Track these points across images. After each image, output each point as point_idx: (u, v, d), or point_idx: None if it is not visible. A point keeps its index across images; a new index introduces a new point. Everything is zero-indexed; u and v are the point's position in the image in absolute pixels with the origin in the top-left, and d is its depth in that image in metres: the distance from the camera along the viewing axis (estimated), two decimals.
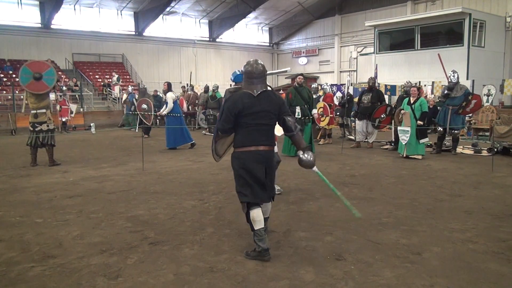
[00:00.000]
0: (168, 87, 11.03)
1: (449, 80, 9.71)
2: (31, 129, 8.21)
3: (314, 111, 9.57)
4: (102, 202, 5.56)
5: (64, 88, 17.43)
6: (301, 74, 9.89)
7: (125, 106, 17.09)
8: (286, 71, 5.70)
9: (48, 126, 8.24)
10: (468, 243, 3.96)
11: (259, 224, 3.64)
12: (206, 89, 16.65)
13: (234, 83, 5.63)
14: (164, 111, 10.82)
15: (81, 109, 18.58)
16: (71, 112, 16.35)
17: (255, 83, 3.71)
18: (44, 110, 8.18)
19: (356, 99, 13.09)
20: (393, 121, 10.31)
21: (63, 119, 15.73)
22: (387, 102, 12.25)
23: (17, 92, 17.56)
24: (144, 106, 13.82)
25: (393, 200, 5.53)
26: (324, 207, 5.23)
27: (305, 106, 9.25)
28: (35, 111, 8.15)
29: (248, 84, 3.73)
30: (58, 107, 15.43)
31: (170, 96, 10.69)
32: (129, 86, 19.13)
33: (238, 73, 5.60)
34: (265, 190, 3.73)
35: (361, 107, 10.88)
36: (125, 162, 8.89)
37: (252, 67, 3.74)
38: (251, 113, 3.63)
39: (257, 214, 3.65)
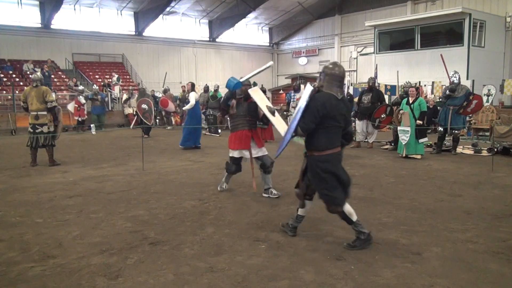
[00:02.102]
0: (192, 87, 11.37)
1: (451, 81, 9.70)
2: (31, 130, 8.20)
3: None
4: (102, 202, 5.56)
5: (81, 87, 17.47)
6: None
7: (92, 105, 16.94)
8: (269, 67, 5.64)
9: (48, 128, 8.25)
10: (468, 243, 3.96)
11: (354, 215, 3.84)
12: (206, 88, 16.67)
13: (230, 91, 5.66)
14: (186, 107, 11.16)
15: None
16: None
17: (340, 86, 3.81)
18: (45, 113, 8.19)
19: (356, 99, 13.08)
20: (392, 121, 10.32)
21: (80, 119, 16.08)
22: (387, 102, 12.25)
23: (17, 92, 17.55)
24: (144, 106, 13.80)
25: (393, 200, 5.53)
26: (324, 207, 5.22)
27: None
28: (35, 113, 8.15)
29: (334, 86, 3.78)
30: (71, 106, 15.95)
31: (193, 95, 10.98)
32: (80, 86, 18.78)
33: (236, 81, 5.58)
34: (348, 189, 3.89)
35: (361, 107, 10.87)
36: (125, 162, 8.89)
37: (340, 71, 3.81)
38: (334, 115, 3.72)
39: (349, 207, 3.85)
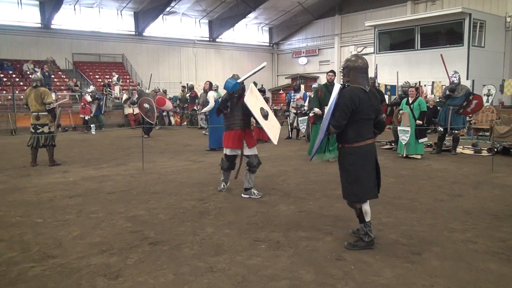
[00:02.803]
0: (210, 86, 11.10)
1: (451, 81, 9.70)
2: (32, 130, 8.26)
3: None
4: (102, 202, 5.56)
5: (91, 88, 17.32)
6: (332, 71, 8.85)
7: (92, 105, 16.67)
8: (263, 67, 5.66)
9: (49, 128, 8.30)
10: (468, 243, 3.96)
11: (369, 216, 3.85)
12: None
13: (228, 92, 5.65)
14: (205, 109, 10.79)
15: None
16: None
17: (365, 78, 3.83)
18: (45, 113, 8.24)
19: None
20: (392, 121, 10.30)
21: (86, 117, 16.09)
22: (387, 102, 12.24)
23: (17, 92, 17.57)
24: (146, 105, 13.79)
25: (393, 200, 5.53)
26: (324, 207, 5.23)
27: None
28: (36, 113, 8.20)
29: (360, 79, 3.80)
30: (83, 105, 16.16)
31: (211, 95, 10.69)
32: (91, 86, 18.44)
33: (234, 82, 5.60)
34: (376, 184, 3.90)
35: None
36: (125, 162, 8.89)
37: (363, 62, 3.83)
38: (364, 108, 3.72)
39: (368, 207, 3.85)
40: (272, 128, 5.65)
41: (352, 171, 3.80)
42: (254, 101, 5.53)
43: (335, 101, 3.75)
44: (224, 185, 6.18)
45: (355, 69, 3.80)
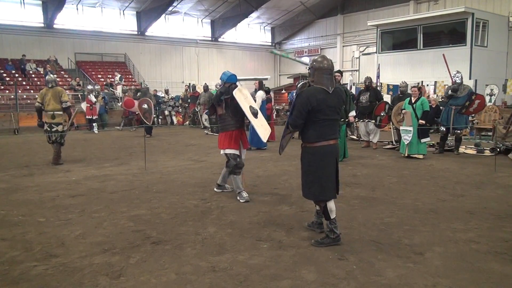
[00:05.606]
0: (260, 86, 11.08)
1: (453, 81, 9.68)
2: (48, 129, 8.41)
3: (352, 113, 8.81)
4: (105, 202, 5.57)
5: (90, 87, 17.11)
6: (339, 71, 8.74)
7: (98, 104, 16.51)
8: (266, 78, 5.87)
9: (63, 127, 8.46)
10: (470, 243, 3.95)
11: (334, 213, 3.88)
12: (205, 88, 16.75)
13: (223, 83, 5.66)
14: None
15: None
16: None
17: (329, 79, 3.83)
18: (61, 112, 8.41)
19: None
20: (394, 120, 10.28)
21: (94, 118, 15.95)
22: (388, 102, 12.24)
23: (19, 91, 17.62)
24: (145, 106, 13.81)
25: (395, 200, 5.52)
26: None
27: (343, 106, 8.96)
28: (52, 112, 8.32)
29: (324, 79, 3.81)
30: (84, 105, 16.03)
31: (260, 95, 10.65)
32: (89, 85, 18.11)
33: (230, 74, 5.66)
34: (335, 185, 3.92)
35: (360, 107, 10.81)
36: (127, 161, 8.90)
37: (329, 63, 3.84)
38: (323, 108, 3.74)
39: (332, 204, 3.89)
40: (261, 127, 5.68)
41: (311, 171, 3.86)
42: (242, 98, 5.54)
43: (294, 100, 3.85)
44: (245, 194, 5.62)
45: (319, 70, 3.83)
